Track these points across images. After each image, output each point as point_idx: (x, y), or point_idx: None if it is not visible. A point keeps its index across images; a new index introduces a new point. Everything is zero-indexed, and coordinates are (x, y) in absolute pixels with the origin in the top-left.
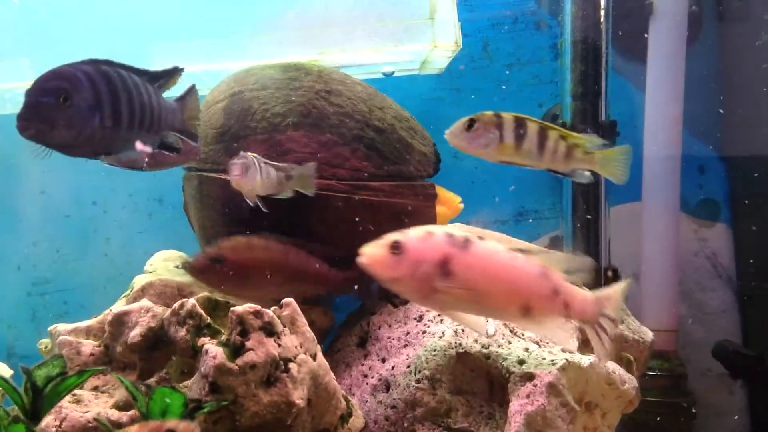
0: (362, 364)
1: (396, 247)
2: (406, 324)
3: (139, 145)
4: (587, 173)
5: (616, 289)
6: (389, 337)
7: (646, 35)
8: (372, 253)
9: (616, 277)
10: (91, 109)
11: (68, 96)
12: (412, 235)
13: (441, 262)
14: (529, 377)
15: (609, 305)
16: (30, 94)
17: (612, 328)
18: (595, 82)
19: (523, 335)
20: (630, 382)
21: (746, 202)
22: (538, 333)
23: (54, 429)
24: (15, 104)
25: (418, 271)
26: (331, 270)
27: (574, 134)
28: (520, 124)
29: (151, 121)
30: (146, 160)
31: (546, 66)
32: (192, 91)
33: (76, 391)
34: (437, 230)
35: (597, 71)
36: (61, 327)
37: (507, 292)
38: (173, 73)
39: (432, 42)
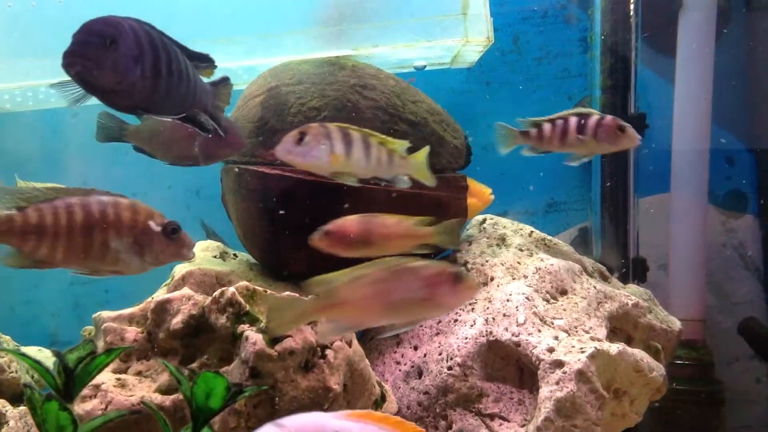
0: (395, 352)
1: None
2: None
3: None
4: (405, 178)
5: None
6: (421, 326)
7: (675, 28)
8: None
9: (644, 269)
10: (135, 59)
11: (114, 40)
12: None
13: None
14: (559, 364)
15: None
16: (77, 34)
17: None
18: (624, 75)
19: (552, 323)
20: (658, 369)
21: None
22: None
23: (100, 412)
24: (58, 100)
25: None
26: None
27: (389, 138)
28: (345, 133)
29: (187, 91)
30: (196, 151)
31: (575, 59)
32: (226, 81)
33: (121, 376)
34: None
35: (626, 64)
36: (105, 314)
37: None
38: (207, 60)
39: (464, 37)
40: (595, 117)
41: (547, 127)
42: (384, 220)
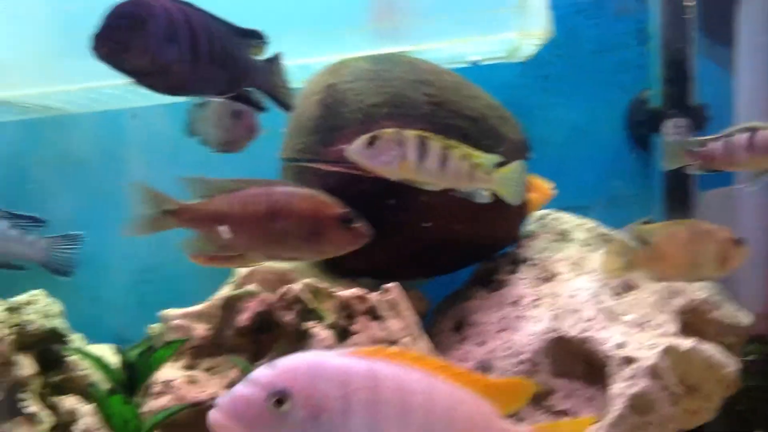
0: (459, 349)
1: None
2: (501, 309)
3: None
4: (485, 193)
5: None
6: (485, 322)
7: (734, 17)
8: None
9: None
10: (168, 39)
11: (143, 21)
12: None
13: None
14: (630, 360)
15: None
16: (106, 17)
17: None
18: (683, 67)
19: (621, 318)
20: (731, 364)
21: None
22: None
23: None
24: (118, 100)
25: None
26: None
27: (476, 152)
28: (422, 141)
29: (234, 69)
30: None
31: (632, 51)
32: (278, 57)
33: (191, 373)
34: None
35: (685, 55)
36: (172, 312)
37: None
38: (258, 37)
39: (521, 30)
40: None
41: (713, 145)
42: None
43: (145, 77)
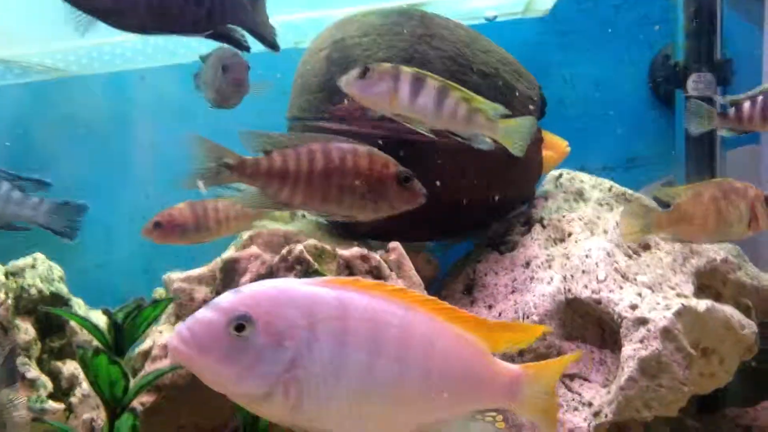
0: (469, 311)
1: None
2: (513, 270)
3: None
4: (488, 140)
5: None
6: (496, 284)
7: None
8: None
9: None
10: None
11: None
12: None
13: None
14: (643, 322)
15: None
16: None
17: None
18: (710, 20)
19: (635, 279)
20: (749, 326)
21: None
22: None
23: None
24: (125, 61)
25: None
26: None
27: (478, 98)
28: (417, 78)
29: (212, 5)
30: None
31: (656, 4)
32: None
33: None
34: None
35: (711, 8)
36: (174, 275)
37: None
38: None
39: None
40: None
41: (746, 105)
42: None
43: (115, 17)
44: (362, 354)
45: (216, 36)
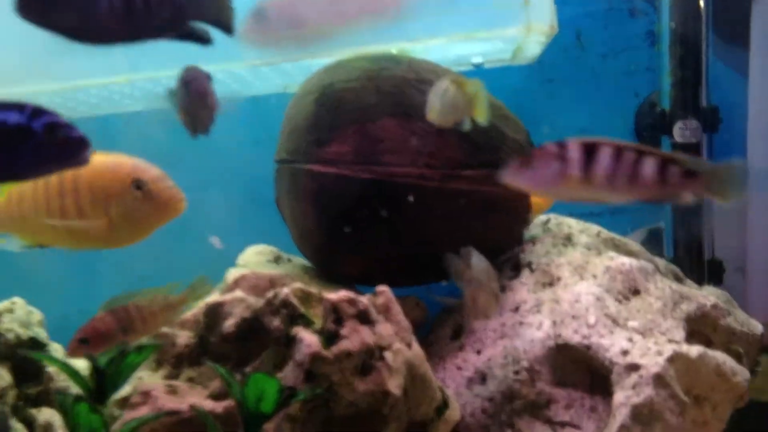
0: (456, 357)
1: None
2: (501, 315)
3: None
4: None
5: None
6: (485, 329)
7: (748, 18)
8: None
9: (721, 271)
10: None
11: None
12: None
13: None
14: (635, 368)
15: None
16: None
17: None
18: (695, 68)
19: (626, 324)
20: (742, 373)
21: None
22: None
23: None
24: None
25: None
26: None
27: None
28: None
29: (173, 7)
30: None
31: (642, 53)
32: None
33: (172, 382)
34: None
35: (697, 57)
36: None
37: None
38: None
39: (526, 25)
40: None
41: None
42: None
43: (80, 34)
44: None
45: (180, 36)
